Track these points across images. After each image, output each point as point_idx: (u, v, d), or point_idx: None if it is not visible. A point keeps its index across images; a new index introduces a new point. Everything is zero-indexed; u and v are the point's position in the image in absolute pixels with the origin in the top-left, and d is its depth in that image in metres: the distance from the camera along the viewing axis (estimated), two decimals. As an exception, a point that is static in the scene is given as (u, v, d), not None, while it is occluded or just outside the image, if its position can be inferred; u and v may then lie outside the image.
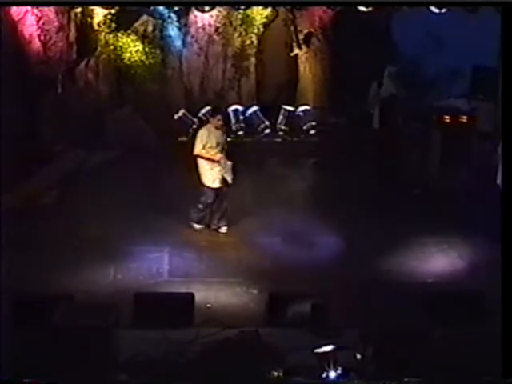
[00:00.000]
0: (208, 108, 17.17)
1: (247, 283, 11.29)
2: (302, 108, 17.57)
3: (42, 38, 15.46)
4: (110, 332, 8.05)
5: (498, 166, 12.52)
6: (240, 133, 17.29)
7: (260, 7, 16.99)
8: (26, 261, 11.44)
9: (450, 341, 8.09)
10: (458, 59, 17.57)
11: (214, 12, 16.91)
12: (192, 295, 9.44)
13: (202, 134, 12.87)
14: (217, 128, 12.89)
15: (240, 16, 17.65)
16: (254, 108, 17.47)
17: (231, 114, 17.31)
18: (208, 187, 12.87)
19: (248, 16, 17.70)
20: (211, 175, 12.84)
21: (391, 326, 9.06)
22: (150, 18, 17.30)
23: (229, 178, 12.90)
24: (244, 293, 11.11)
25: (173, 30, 17.53)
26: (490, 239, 11.41)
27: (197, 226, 13.11)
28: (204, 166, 12.87)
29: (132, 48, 17.19)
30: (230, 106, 17.49)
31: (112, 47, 17.12)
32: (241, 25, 17.83)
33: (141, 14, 17.19)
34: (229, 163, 12.84)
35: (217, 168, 12.81)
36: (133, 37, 17.21)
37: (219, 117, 13.03)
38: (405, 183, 14.98)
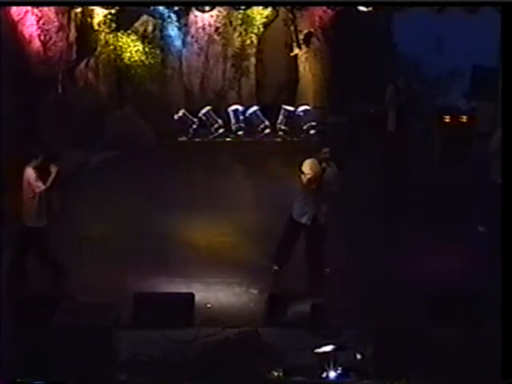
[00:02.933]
0: (208, 108, 17.27)
1: (247, 283, 11.30)
2: (301, 108, 17.55)
3: (42, 37, 15.44)
4: (109, 332, 8.05)
5: (497, 166, 12.50)
6: (240, 133, 17.29)
7: (260, 7, 16.99)
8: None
9: (449, 341, 8.09)
10: (458, 59, 17.57)
11: (214, 12, 16.92)
12: (192, 295, 9.45)
13: (307, 165, 11.34)
14: (318, 164, 11.30)
15: (240, 16, 17.64)
16: (254, 108, 17.46)
17: (231, 114, 17.32)
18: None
19: (248, 16, 17.69)
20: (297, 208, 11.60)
21: (391, 325, 9.06)
22: (150, 18, 17.28)
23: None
24: (244, 293, 11.11)
25: (173, 30, 17.51)
26: (490, 239, 11.41)
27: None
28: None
29: (132, 48, 17.18)
30: (230, 105, 17.49)
31: (112, 47, 17.10)
32: (241, 25, 17.82)
33: (141, 14, 17.18)
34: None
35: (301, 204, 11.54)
36: (133, 37, 17.19)
37: (325, 149, 11.34)
38: (405, 183, 14.97)
